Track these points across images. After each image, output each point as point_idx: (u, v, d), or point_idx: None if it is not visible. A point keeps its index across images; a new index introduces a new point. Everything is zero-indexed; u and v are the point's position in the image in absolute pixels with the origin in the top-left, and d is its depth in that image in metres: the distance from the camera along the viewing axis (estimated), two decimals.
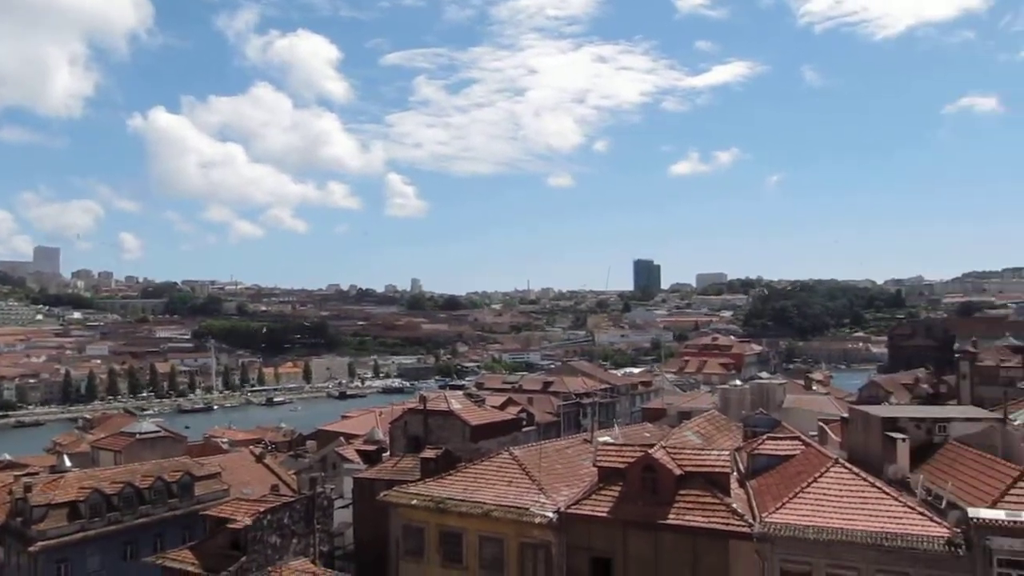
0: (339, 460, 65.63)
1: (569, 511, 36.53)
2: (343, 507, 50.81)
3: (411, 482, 43.15)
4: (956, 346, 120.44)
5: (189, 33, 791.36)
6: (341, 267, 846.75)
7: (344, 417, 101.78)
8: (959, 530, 30.34)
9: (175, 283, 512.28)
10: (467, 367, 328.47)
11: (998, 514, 30.20)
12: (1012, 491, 31.13)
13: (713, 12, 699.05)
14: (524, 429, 71.17)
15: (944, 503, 32.29)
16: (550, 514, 36.77)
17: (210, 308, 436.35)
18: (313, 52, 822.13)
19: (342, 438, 76.45)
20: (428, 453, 47.24)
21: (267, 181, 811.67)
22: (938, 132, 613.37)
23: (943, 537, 30.33)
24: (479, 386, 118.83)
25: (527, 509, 37.47)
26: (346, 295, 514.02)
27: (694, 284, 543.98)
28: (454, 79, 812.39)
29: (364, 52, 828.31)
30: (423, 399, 57.72)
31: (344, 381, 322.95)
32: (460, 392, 77.42)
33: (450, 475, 42.38)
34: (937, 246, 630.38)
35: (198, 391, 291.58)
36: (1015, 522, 29.84)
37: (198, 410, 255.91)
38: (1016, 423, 38.54)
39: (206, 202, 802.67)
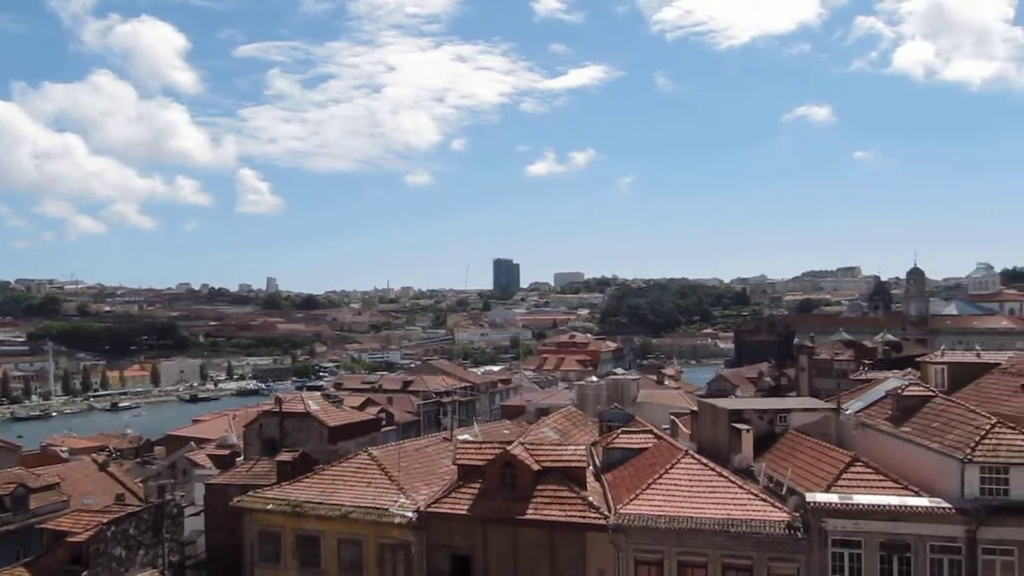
0: (190, 466, 63.18)
1: (429, 510, 36.49)
2: (194, 515, 48.92)
3: (266, 486, 42.02)
4: (796, 341, 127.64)
5: (20, 16, 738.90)
6: (192, 266, 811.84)
7: (195, 421, 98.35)
8: (798, 514, 32.18)
9: (8, 282, 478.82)
10: (325, 367, 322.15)
11: (832, 498, 32.26)
12: (844, 476, 33.36)
13: (570, 16, 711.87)
14: (383, 429, 70.67)
15: (784, 489, 34.18)
16: (409, 514, 36.61)
17: (48, 309, 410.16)
18: (159, 39, 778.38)
19: (193, 443, 73.80)
20: (284, 456, 46.15)
21: (110, 174, 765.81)
22: (778, 139, 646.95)
23: (783, 521, 32.09)
24: (337, 386, 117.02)
25: (386, 510, 37.17)
26: (197, 294, 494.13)
27: (552, 283, 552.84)
28: (311, 74, 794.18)
29: (215, 43, 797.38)
30: (279, 401, 56.30)
31: (195, 384, 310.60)
32: (318, 393, 75.95)
33: (307, 478, 41.55)
34: (779, 247, 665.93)
35: (34, 397, 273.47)
36: (847, 505, 31.95)
37: (34, 418, 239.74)
38: (848, 412, 41.21)
39: (41, 196, 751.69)
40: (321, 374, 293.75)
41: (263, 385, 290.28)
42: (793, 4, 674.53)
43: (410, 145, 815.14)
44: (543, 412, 65.29)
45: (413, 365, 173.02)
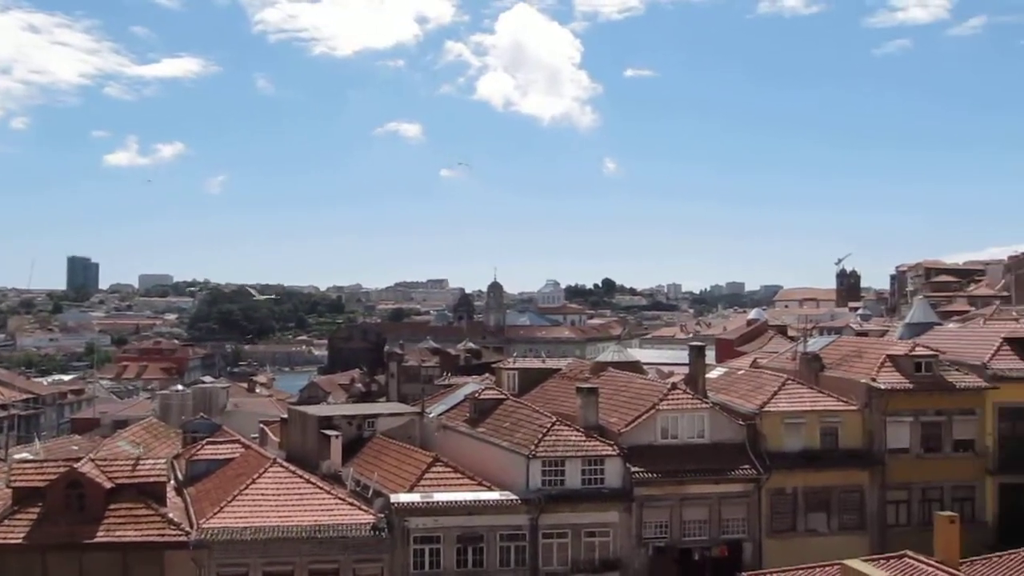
0: None
1: None
2: None
3: None
4: (387, 348, 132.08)
5: None
6: None
7: None
8: (383, 515, 33.39)
9: None
10: None
11: (414, 497, 34.02)
12: (426, 476, 35.41)
13: (166, 1, 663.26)
14: None
15: (371, 492, 35.27)
16: None
17: None
18: None
19: None
20: None
21: None
22: (370, 151, 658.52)
23: (369, 523, 33.07)
24: None
25: None
26: None
27: (136, 285, 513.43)
28: None
29: None
30: None
31: None
32: None
33: None
34: (373, 257, 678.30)
35: None
36: (428, 503, 33.89)
37: None
38: (431, 416, 43.63)
39: None
40: None
41: None
42: (394, 23, 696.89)
43: None
44: (120, 424, 60.49)
45: None
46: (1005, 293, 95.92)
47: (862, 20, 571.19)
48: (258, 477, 35.15)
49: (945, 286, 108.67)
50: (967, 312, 77.67)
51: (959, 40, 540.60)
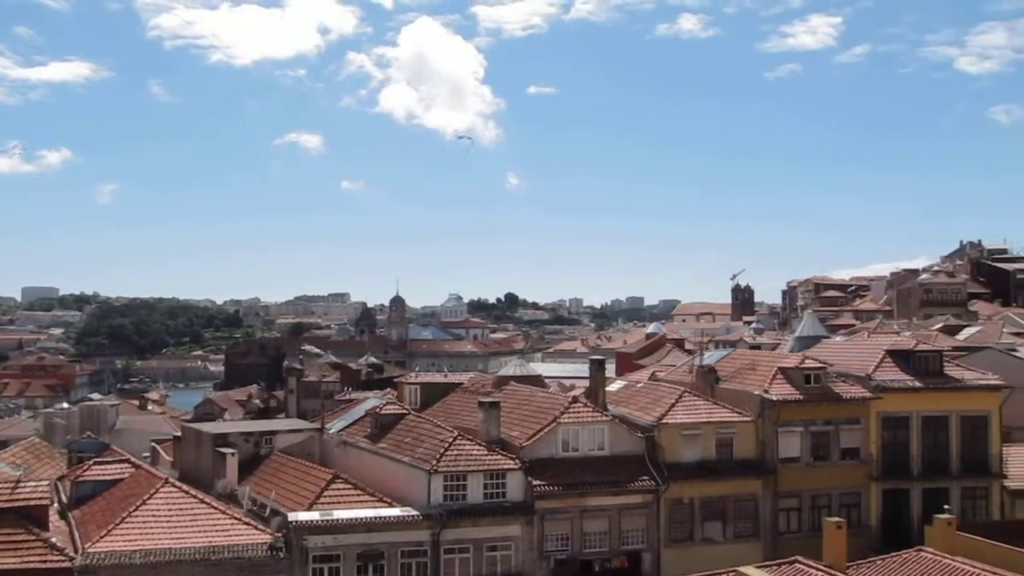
0: None
1: None
2: None
3: None
4: (286, 363, 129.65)
5: None
6: None
7: None
8: (280, 534, 32.64)
9: None
10: None
11: (313, 515, 33.43)
12: (326, 493, 34.83)
13: (53, 3, 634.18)
14: None
15: (268, 511, 34.51)
16: None
17: None
18: None
19: None
20: None
21: None
22: (271, 163, 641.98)
23: (266, 543, 32.24)
24: None
25: None
26: None
27: (19, 298, 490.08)
28: None
29: None
30: None
31: None
32: None
33: None
34: (272, 270, 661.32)
35: None
36: (327, 521, 33.34)
37: None
38: (331, 432, 42.98)
39: None
40: None
41: None
42: (295, 32, 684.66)
43: None
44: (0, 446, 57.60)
45: None
46: (887, 308, 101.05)
47: (755, 45, 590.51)
48: (148, 498, 33.87)
49: (833, 301, 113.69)
50: (853, 326, 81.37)
51: (845, 66, 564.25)
